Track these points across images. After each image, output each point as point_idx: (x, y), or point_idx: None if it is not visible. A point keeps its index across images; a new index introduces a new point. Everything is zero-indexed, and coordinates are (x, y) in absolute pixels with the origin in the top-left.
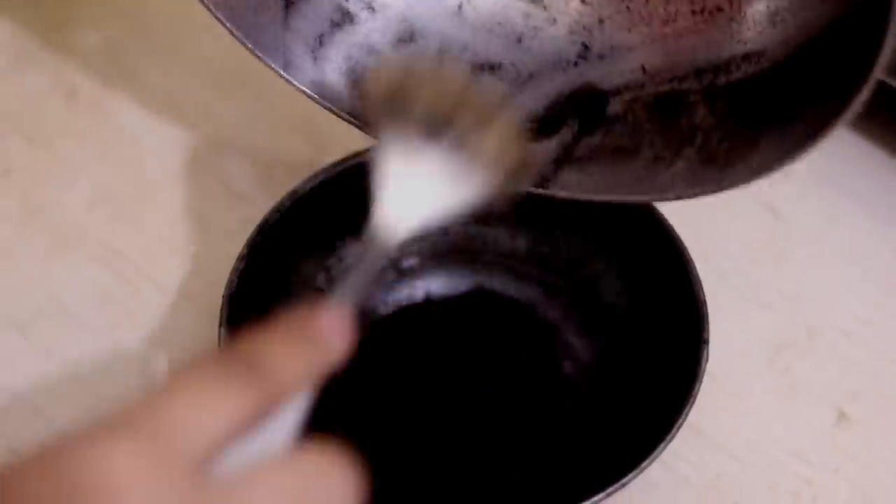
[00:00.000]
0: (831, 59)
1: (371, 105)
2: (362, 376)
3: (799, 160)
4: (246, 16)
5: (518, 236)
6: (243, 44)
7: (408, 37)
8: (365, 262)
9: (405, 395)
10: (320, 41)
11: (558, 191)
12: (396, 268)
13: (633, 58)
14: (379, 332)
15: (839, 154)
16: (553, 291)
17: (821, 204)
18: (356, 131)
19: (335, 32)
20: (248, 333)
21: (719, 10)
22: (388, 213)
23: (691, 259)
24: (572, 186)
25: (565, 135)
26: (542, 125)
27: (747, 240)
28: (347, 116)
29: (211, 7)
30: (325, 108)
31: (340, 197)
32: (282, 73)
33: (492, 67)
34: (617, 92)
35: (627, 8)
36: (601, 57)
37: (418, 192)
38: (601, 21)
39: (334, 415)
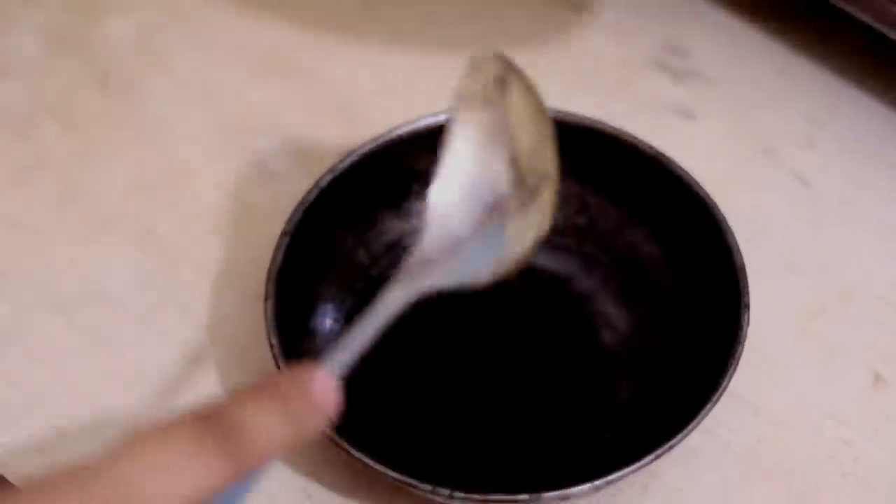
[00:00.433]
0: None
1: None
2: (400, 354)
3: None
4: None
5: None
6: None
7: None
8: (379, 309)
9: (445, 368)
10: None
11: None
12: None
13: None
14: (417, 308)
15: (864, 122)
16: (591, 262)
17: (848, 172)
18: (390, 112)
19: None
20: (234, 394)
21: None
22: (425, 254)
23: (729, 226)
24: None
25: None
26: None
27: (778, 209)
28: None
29: None
30: None
31: (377, 173)
32: None
33: None
34: None
35: None
36: None
37: (459, 244)
38: None
39: (372, 386)
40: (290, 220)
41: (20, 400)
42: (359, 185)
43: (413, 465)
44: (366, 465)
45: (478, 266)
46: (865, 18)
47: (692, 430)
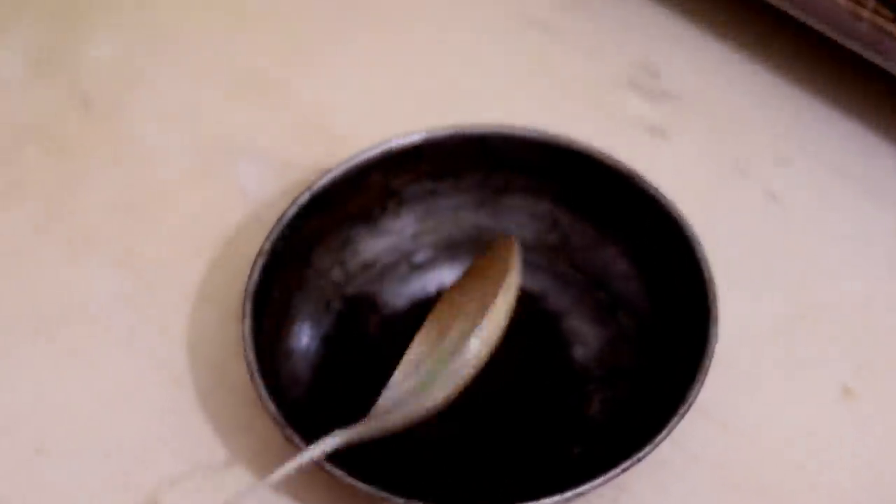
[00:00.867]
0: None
1: None
2: (376, 371)
3: None
4: None
5: (527, 227)
6: None
7: None
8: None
9: None
10: None
11: None
12: (409, 261)
13: None
14: (392, 326)
15: (835, 140)
16: (563, 280)
17: (819, 189)
18: (366, 132)
19: None
20: None
21: None
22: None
23: (699, 241)
24: None
25: None
26: None
27: (749, 225)
28: None
29: None
30: None
31: (353, 192)
32: None
33: None
34: None
35: None
36: None
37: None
38: None
39: (346, 404)
40: (266, 239)
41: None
42: (335, 204)
43: (387, 480)
44: (339, 479)
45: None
46: (835, 37)
47: (660, 442)
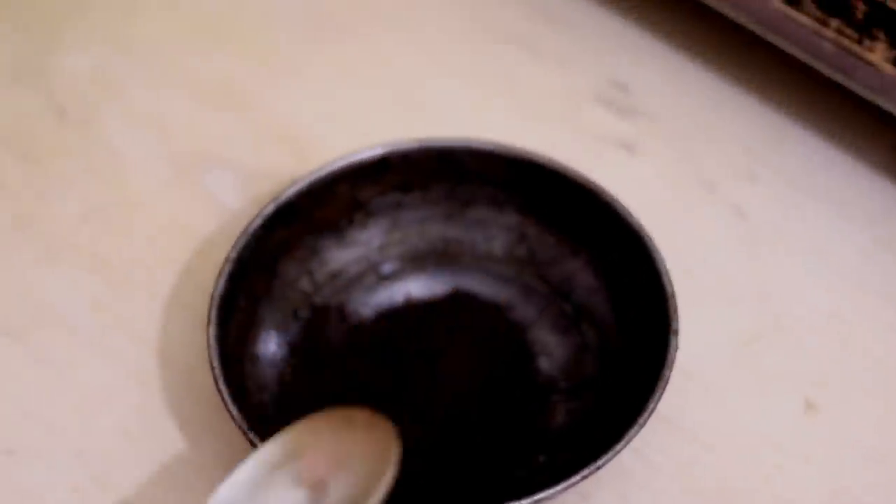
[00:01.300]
0: None
1: None
2: (343, 379)
3: None
4: None
5: (494, 239)
6: None
7: None
8: None
9: (383, 391)
10: None
11: None
12: (377, 272)
13: None
14: (360, 336)
15: (803, 156)
16: (529, 291)
17: (785, 204)
18: (337, 143)
19: None
20: None
21: None
22: None
23: (660, 254)
24: None
25: None
26: None
27: (715, 240)
28: None
29: None
30: None
31: (320, 203)
32: None
33: None
34: None
35: None
36: None
37: None
38: None
39: (311, 412)
40: (233, 247)
41: None
42: (302, 215)
43: None
44: None
45: None
46: (801, 56)
47: (619, 451)
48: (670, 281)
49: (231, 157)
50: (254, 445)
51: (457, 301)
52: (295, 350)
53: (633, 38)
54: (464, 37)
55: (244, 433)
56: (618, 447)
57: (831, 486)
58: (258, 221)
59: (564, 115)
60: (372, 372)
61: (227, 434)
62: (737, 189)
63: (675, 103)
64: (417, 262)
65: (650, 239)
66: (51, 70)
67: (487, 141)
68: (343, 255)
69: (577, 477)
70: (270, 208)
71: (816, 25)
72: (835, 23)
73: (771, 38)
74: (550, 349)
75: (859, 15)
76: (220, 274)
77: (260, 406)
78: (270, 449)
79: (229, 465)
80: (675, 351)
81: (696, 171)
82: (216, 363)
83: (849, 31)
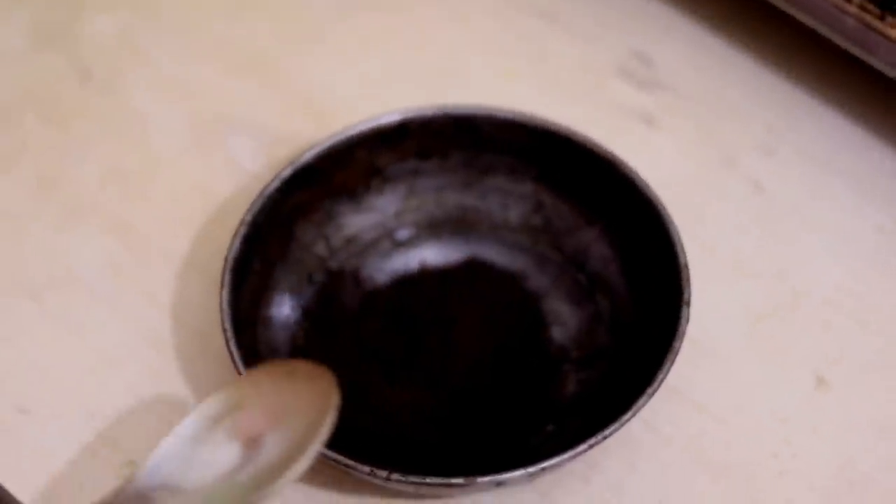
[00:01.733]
0: None
1: None
2: (355, 344)
3: None
4: None
5: (510, 208)
6: None
7: None
8: None
9: (396, 357)
10: None
11: None
12: (392, 238)
13: None
14: (374, 301)
15: (822, 132)
16: (544, 261)
17: (804, 180)
18: (356, 108)
19: None
20: None
21: None
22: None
23: (674, 224)
24: None
25: None
26: None
27: (732, 214)
28: None
29: None
30: None
31: (337, 167)
32: None
33: None
34: None
35: None
36: None
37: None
38: None
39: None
40: (249, 209)
41: None
42: (319, 178)
43: (360, 451)
44: None
45: None
46: (822, 31)
47: (627, 420)
48: (683, 251)
49: (254, 123)
50: None
51: (471, 269)
52: (308, 314)
53: (656, 12)
54: (488, 9)
55: None
56: (625, 417)
57: (839, 460)
58: (275, 184)
59: (586, 87)
60: (385, 338)
61: None
62: (756, 164)
63: (697, 77)
64: (433, 229)
65: (664, 209)
66: (77, 33)
67: (506, 109)
68: (359, 221)
69: (584, 445)
70: (288, 171)
71: (839, 1)
72: None
73: (793, 12)
74: (564, 319)
75: None
76: (234, 236)
77: None
78: (212, 403)
79: None
80: (687, 322)
81: (715, 145)
82: (228, 326)
83: (871, 6)
